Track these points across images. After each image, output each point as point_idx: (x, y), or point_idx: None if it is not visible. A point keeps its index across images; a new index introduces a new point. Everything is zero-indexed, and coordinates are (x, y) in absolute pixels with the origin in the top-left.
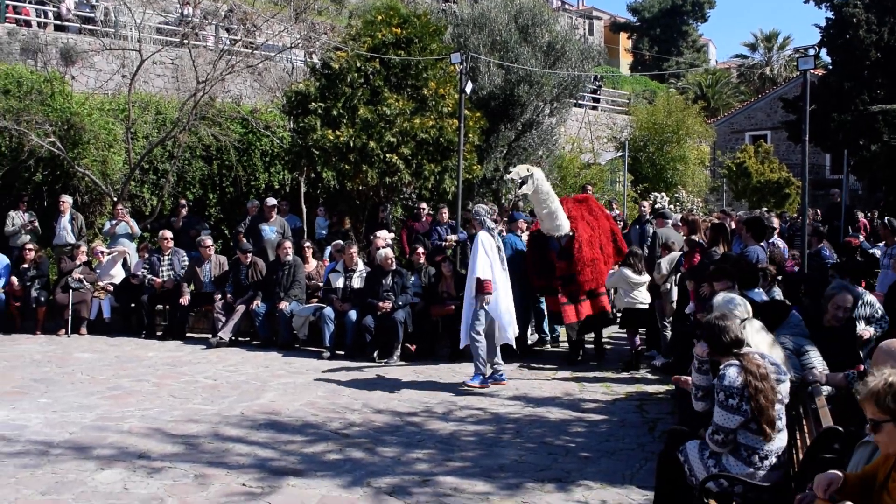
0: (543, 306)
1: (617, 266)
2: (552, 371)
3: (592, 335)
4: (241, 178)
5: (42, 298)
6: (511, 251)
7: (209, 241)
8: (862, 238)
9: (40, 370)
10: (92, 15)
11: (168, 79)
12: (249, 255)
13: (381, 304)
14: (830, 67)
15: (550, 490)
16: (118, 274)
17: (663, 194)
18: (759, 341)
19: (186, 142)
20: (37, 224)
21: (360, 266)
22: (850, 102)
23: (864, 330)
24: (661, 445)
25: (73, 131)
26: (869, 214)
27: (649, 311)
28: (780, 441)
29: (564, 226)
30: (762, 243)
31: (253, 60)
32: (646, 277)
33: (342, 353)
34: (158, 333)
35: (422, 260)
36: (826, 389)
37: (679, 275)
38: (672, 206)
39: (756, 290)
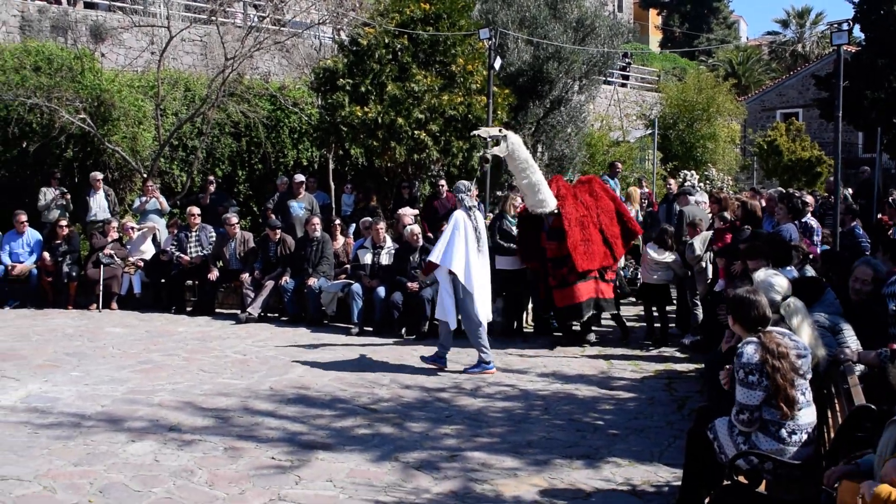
0: None
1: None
2: (580, 348)
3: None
4: (270, 154)
5: (74, 274)
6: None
7: (235, 219)
8: None
9: (72, 344)
10: None
11: (197, 56)
12: (278, 231)
13: (409, 284)
14: (864, 44)
15: (578, 467)
16: (148, 250)
17: (693, 172)
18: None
19: (215, 118)
20: (69, 197)
21: (389, 243)
22: (883, 79)
23: None
24: (689, 423)
25: (103, 108)
26: None
27: (678, 289)
28: (809, 416)
29: (550, 202)
30: (795, 221)
31: (281, 37)
32: (669, 255)
33: (370, 329)
34: (188, 309)
35: None
36: (859, 368)
37: (711, 253)
38: (702, 185)
39: (788, 268)
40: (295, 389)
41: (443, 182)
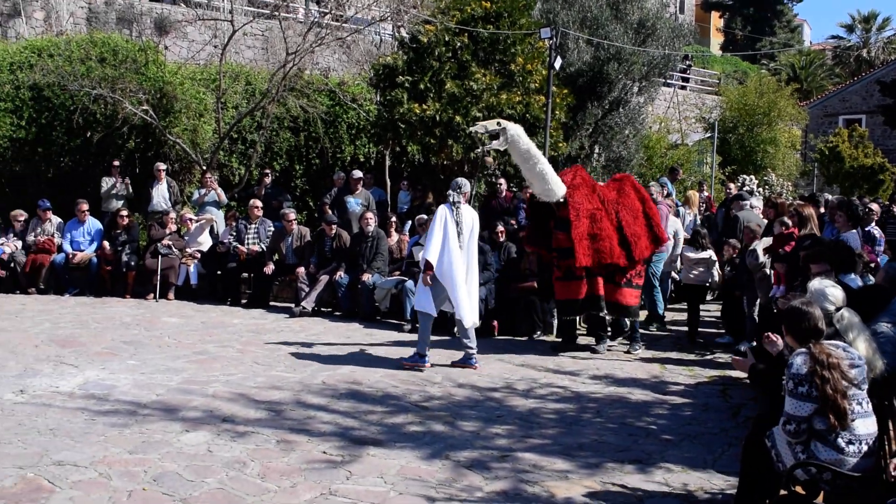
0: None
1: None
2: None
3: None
4: (328, 150)
5: (132, 263)
6: None
7: (292, 215)
8: None
9: (129, 333)
10: None
11: (258, 50)
12: (334, 226)
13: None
14: None
15: (630, 471)
16: (206, 241)
17: (752, 177)
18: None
19: (275, 113)
20: (129, 183)
21: None
22: None
23: None
24: (744, 431)
25: (165, 100)
26: None
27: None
28: (868, 427)
29: (558, 191)
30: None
31: (342, 33)
32: (705, 254)
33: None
34: (243, 301)
35: (502, 238)
36: None
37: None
38: (760, 190)
39: (852, 276)
40: (347, 385)
41: (501, 181)
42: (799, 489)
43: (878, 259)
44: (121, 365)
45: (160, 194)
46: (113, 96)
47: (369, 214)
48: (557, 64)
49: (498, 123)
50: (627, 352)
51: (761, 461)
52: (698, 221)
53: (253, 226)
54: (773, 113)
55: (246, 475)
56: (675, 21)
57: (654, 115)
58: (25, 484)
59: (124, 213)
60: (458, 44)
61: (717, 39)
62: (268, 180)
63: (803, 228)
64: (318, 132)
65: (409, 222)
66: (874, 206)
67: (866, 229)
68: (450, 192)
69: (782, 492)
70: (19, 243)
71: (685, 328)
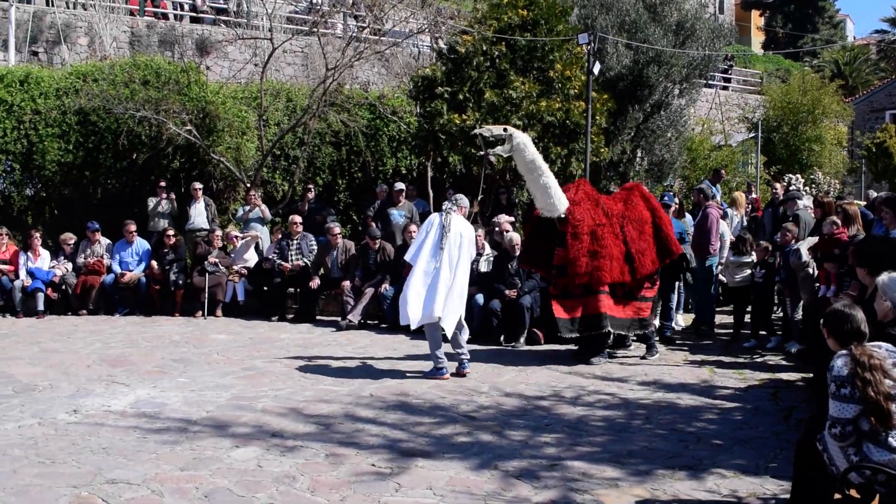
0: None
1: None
2: (683, 355)
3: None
4: (370, 163)
5: (180, 282)
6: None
7: (337, 229)
8: None
9: (179, 350)
10: (225, 6)
11: (298, 67)
12: (378, 240)
13: (508, 292)
14: None
15: (681, 478)
16: (252, 258)
17: (798, 176)
18: None
19: (316, 128)
20: (173, 197)
21: (487, 250)
22: None
23: None
24: (796, 435)
25: (208, 119)
26: None
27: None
28: None
29: (560, 206)
30: None
31: (380, 47)
32: (748, 258)
33: (469, 336)
34: (290, 316)
35: None
36: None
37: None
38: (807, 189)
39: None
40: (395, 396)
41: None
42: (854, 493)
43: None
44: (171, 383)
45: (197, 212)
46: (157, 118)
47: (413, 227)
48: (596, 69)
49: (505, 129)
50: (644, 357)
51: (814, 465)
52: (744, 223)
53: (294, 241)
54: (817, 110)
55: (296, 489)
56: (715, 21)
57: (696, 117)
58: (80, 502)
59: (171, 232)
60: (496, 53)
61: (758, 38)
62: (311, 195)
63: (849, 226)
64: (359, 146)
65: None
66: None
67: None
68: (447, 203)
69: (837, 496)
70: (70, 265)
71: (731, 331)
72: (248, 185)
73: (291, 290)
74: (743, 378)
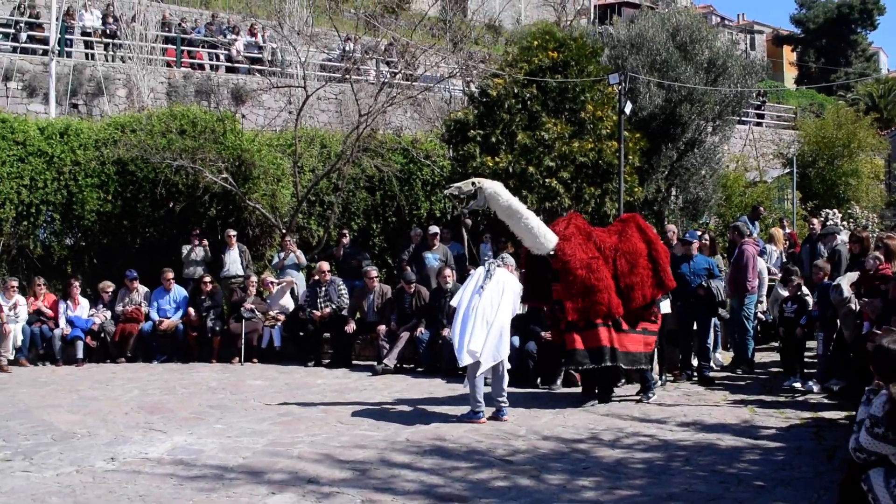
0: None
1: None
2: (723, 394)
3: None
4: (404, 207)
5: (217, 328)
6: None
7: (374, 273)
8: None
9: (216, 397)
10: (260, 56)
11: (332, 113)
12: (413, 284)
13: (544, 334)
14: None
15: None
16: (288, 303)
17: (835, 211)
18: None
19: (350, 173)
20: (206, 244)
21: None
22: None
23: None
24: (840, 475)
25: (244, 167)
26: None
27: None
28: None
29: (548, 244)
30: None
31: (412, 91)
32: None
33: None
34: (325, 361)
35: None
36: None
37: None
38: (845, 223)
39: None
40: (431, 441)
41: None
42: None
43: None
44: (208, 429)
45: (232, 260)
46: (193, 166)
47: (447, 271)
48: (628, 109)
49: (473, 183)
50: (639, 401)
51: None
52: (783, 258)
53: (323, 288)
54: (853, 144)
55: None
56: (747, 58)
57: (730, 154)
58: None
59: (207, 279)
60: (528, 95)
61: (790, 73)
62: (346, 240)
63: (891, 261)
64: (393, 190)
65: None
66: None
67: None
68: (493, 259)
69: None
70: (108, 314)
71: (774, 369)
72: (284, 231)
73: (327, 334)
74: (785, 417)
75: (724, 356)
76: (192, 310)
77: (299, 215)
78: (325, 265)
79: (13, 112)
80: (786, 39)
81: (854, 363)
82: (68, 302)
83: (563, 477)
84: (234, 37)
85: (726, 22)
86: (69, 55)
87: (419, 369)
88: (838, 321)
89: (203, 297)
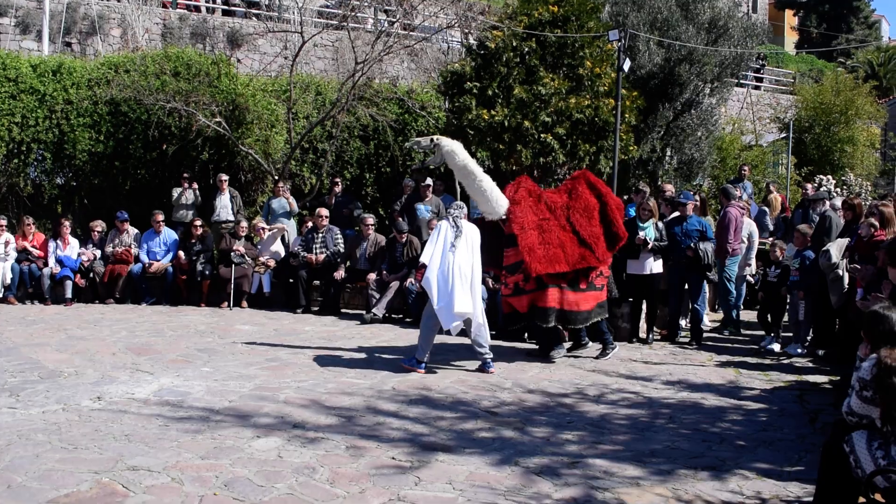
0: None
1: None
2: (709, 355)
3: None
4: (398, 157)
5: (206, 272)
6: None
7: (371, 220)
8: None
9: (203, 340)
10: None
11: (328, 61)
12: (405, 234)
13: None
14: None
15: (703, 478)
16: (278, 250)
17: (829, 177)
18: None
19: (345, 122)
20: (196, 187)
21: None
22: None
23: None
24: (822, 438)
25: (237, 112)
26: None
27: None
28: None
29: (500, 208)
30: None
31: (410, 41)
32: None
33: (493, 332)
34: (315, 309)
35: None
36: None
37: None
38: (838, 190)
39: None
40: (417, 391)
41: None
42: (878, 497)
43: None
44: (195, 372)
45: (223, 205)
46: (187, 109)
47: (436, 222)
48: (626, 66)
49: (431, 140)
50: (598, 357)
51: (840, 467)
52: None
53: (320, 234)
54: (850, 111)
55: (315, 481)
56: (748, 20)
57: (727, 117)
58: (100, 488)
59: (198, 223)
60: (526, 49)
61: (791, 38)
62: (339, 189)
63: (886, 228)
64: (387, 140)
65: None
66: None
67: None
68: (450, 211)
69: (861, 499)
70: (98, 252)
71: (760, 332)
72: (276, 177)
73: (317, 282)
74: (769, 379)
75: (710, 317)
76: (181, 253)
77: (292, 162)
78: (325, 211)
79: (6, 48)
80: (788, 3)
81: (840, 329)
82: (58, 241)
83: (546, 430)
84: None
85: None
86: None
87: (407, 320)
88: (827, 287)
89: (193, 241)
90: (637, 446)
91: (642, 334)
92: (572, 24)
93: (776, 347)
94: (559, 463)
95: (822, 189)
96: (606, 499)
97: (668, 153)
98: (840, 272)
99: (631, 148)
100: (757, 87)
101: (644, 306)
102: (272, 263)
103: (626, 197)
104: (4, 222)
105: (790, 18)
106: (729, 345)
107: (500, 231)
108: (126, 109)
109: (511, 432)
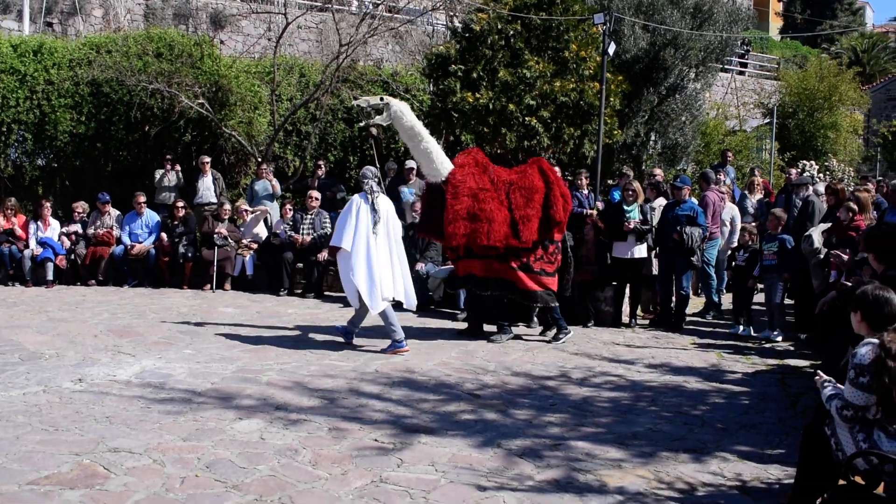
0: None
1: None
2: (692, 338)
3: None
4: (382, 140)
5: (189, 254)
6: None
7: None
8: None
9: (186, 323)
10: None
11: (312, 42)
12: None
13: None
14: None
15: (684, 460)
16: (261, 232)
17: (812, 163)
18: None
19: (328, 104)
20: (178, 169)
21: None
22: None
23: None
24: (802, 421)
25: (220, 93)
26: None
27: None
28: None
29: (444, 171)
30: None
31: (395, 24)
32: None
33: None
34: (298, 291)
35: None
36: None
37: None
38: (821, 176)
39: None
40: (400, 373)
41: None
42: (858, 479)
43: None
44: (177, 354)
45: (206, 187)
46: (169, 90)
47: (419, 204)
48: (611, 50)
49: (381, 98)
50: (550, 341)
51: (820, 450)
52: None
53: (309, 217)
54: (833, 97)
55: (297, 462)
56: (733, 5)
57: (711, 102)
58: (81, 470)
59: (181, 204)
60: (511, 31)
61: (776, 24)
62: (322, 171)
63: (863, 213)
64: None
65: None
66: None
67: None
68: (366, 181)
69: (841, 482)
70: (79, 228)
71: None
72: (260, 159)
73: (300, 265)
74: (751, 363)
75: (693, 301)
76: (164, 235)
77: (276, 144)
78: (316, 193)
79: None
80: None
81: (820, 314)
82: (39, 223)
83: (529, 412)
84: None
85: None
86: None
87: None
88: (806, 271)
89: (176, 223)
90: (619, 429)
91: (626, 318)
92: (557, 7)
93: (751, 331)
94: (541, 445)
95: (805, 174)
96: (588, 480)
97: (653, 137)
98: (822, 257)
99: (615, 132)
100: (741, 73)
101: (627, 290)
102: (255, 246)
103: (609, 181)
104: None
105: (775, 4)
106: (711, 329)
107: (443, 195)
108: (108, 90)
109: (494, 414)
